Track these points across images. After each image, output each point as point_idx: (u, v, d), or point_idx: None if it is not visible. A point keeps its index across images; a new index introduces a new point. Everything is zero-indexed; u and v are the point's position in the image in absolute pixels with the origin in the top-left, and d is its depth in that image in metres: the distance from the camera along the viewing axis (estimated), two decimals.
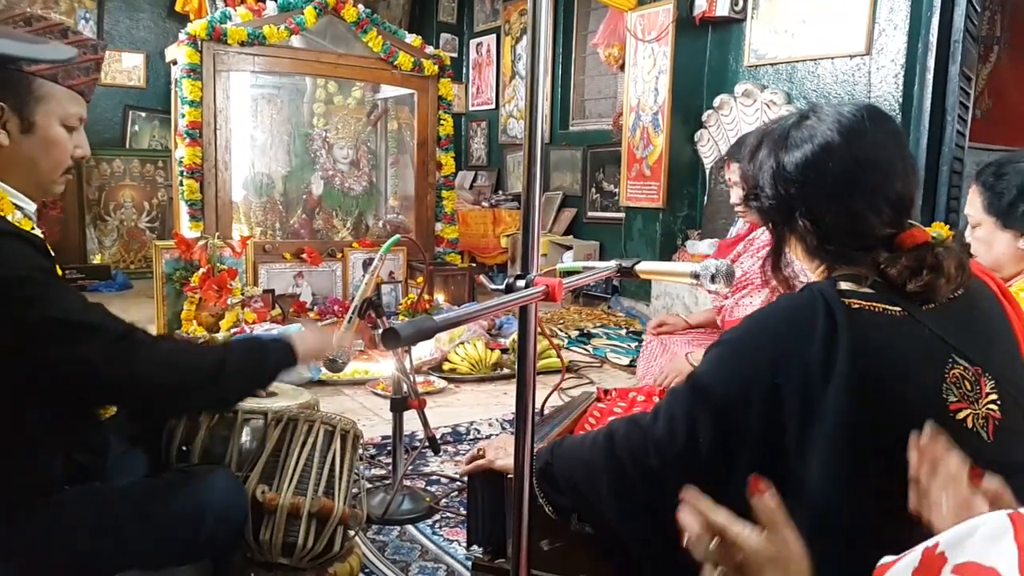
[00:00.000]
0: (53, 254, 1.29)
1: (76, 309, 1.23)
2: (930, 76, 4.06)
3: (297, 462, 1.56)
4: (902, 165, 1.11)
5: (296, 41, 4.63)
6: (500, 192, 7.41)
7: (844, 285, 1.08)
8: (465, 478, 2.48)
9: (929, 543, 0.65)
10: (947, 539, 0.64)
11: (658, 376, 2.59)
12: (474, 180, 7.81)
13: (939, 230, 1.11)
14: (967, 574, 0.60)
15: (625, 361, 4.10)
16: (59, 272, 1.28)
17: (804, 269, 1.22)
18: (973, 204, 1.80)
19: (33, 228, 1.28)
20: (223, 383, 1.36)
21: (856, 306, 1.04)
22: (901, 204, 1.11)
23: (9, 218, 1.24)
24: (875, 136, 1.10)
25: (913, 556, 0.66)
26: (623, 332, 4.77)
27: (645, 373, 2.79)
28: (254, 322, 4.02)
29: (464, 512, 2.26)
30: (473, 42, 8.04)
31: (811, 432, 1.00)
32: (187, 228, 4.29)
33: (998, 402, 1.04)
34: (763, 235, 2.39)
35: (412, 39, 5.02)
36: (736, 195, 2.37)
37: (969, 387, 1.03)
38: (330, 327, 4.16)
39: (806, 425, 1.00)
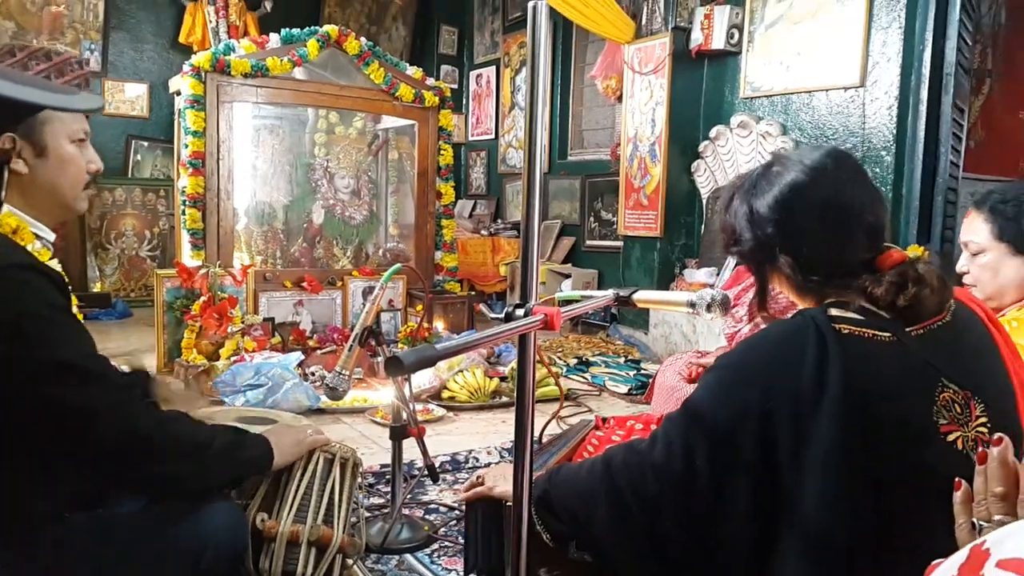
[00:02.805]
0: (69, 287, 1.30)
1: (86, 354, 1.23)
2: (924, 108, 4.12)
3: (297, 490, 1.56)
4: (868, 197, 1.17)
5: (299, 73, 4.69)
6: (499, 221, 7.45)
7: (834, 311, 1.10)
8: (463, 506, 2.48)
9: (978, 541, 0.67)
10: (994, 537, 0.67)
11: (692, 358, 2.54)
12: (473, 209, 7.86)
13: (915, 251, 1.15)
14: (1010, 568, 0.62)
15: (623, 389, 4.10)
16: (74, 304, 1.29)
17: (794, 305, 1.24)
18: (977, 231, 1.80)
19: (51, 259, 1.30)
20: (207, 461, 1.35)
21: (846, 331, 1.06)
22: (874, 231, 1.16)
23: (29, 248, 1.26)
24: (838, 174, 1.16)
25: (962, 553, 0.68)
26: (621, 360, 4.77)
27: (656, 399, 2.78)
28: (254, 350, 4.03)
29: (463, 541, 2.25)
30: (473, 73, 8.13)
31: (804, 457, 1.01)
32: (188, 257, 4.31)
33: (988, 425, 1.06)
34: None
35: (413, 71, 5.09)
36: None
37: (959, 410, 1.05)
38: (330, 356, 4.18)
39: (799, 450, 1.01)
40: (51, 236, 1.36)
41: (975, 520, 0.82)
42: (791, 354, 1.05)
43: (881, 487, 0.98)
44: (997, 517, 0.80)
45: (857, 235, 1.14)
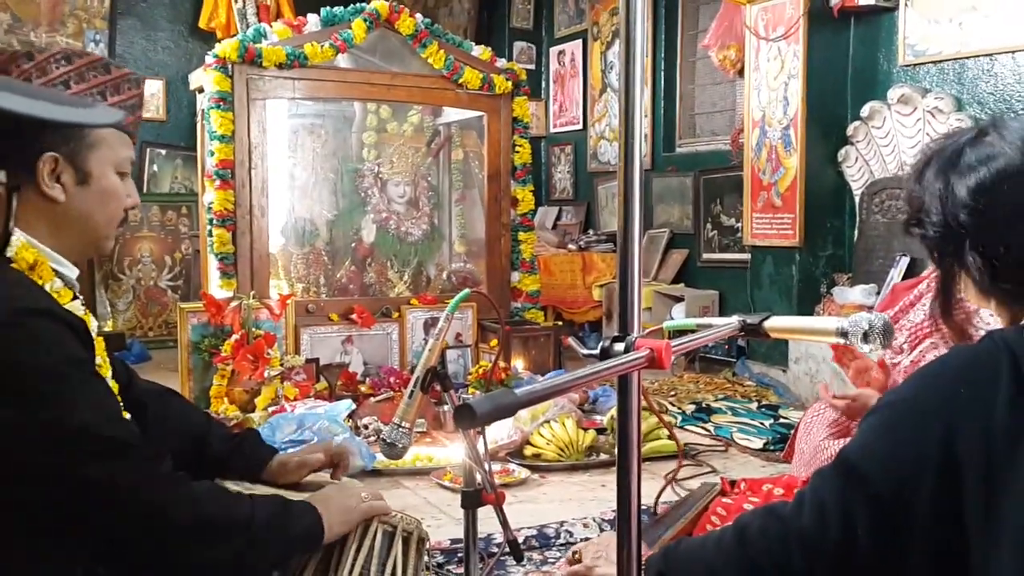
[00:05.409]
0: (93, 333, 1.37)
1: (107, 418, 1.29)
2: None
3: (352, 571, 1.58)
4: None
5: (343, 60, 4.84)
6: (591, 232, 7.45)
7: None
8: None
9: None
10: None
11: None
12: (558, 218, 7.90)
13: None
14: None
15: (757, 443, 4.02)
16: (103, 356, 1.35)
17: (989, 315, 1.22)
18: None
19: (74, 298, 1.38)
20: (252, 540, 1.39)
21: None
22: None
23: (48, 287, 1.33)
24: None
25: None
26: (753, 406, 4.69)
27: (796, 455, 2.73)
28: (295, 399, 4.11)
29: None
30: (554, 50, 8.21)
31: (999, 517, 0.99)
32: (217, 287, 4.46)
33: None
34: None
35: (480, 51, 5.18)
36: None
37: None
38: (386, 404, 4.25)
39: (993, 509, 1.00)
40: (74, 273, 1.44)
41: None
42: (980, 386, 1.04)
43: None
44: None
45: None
